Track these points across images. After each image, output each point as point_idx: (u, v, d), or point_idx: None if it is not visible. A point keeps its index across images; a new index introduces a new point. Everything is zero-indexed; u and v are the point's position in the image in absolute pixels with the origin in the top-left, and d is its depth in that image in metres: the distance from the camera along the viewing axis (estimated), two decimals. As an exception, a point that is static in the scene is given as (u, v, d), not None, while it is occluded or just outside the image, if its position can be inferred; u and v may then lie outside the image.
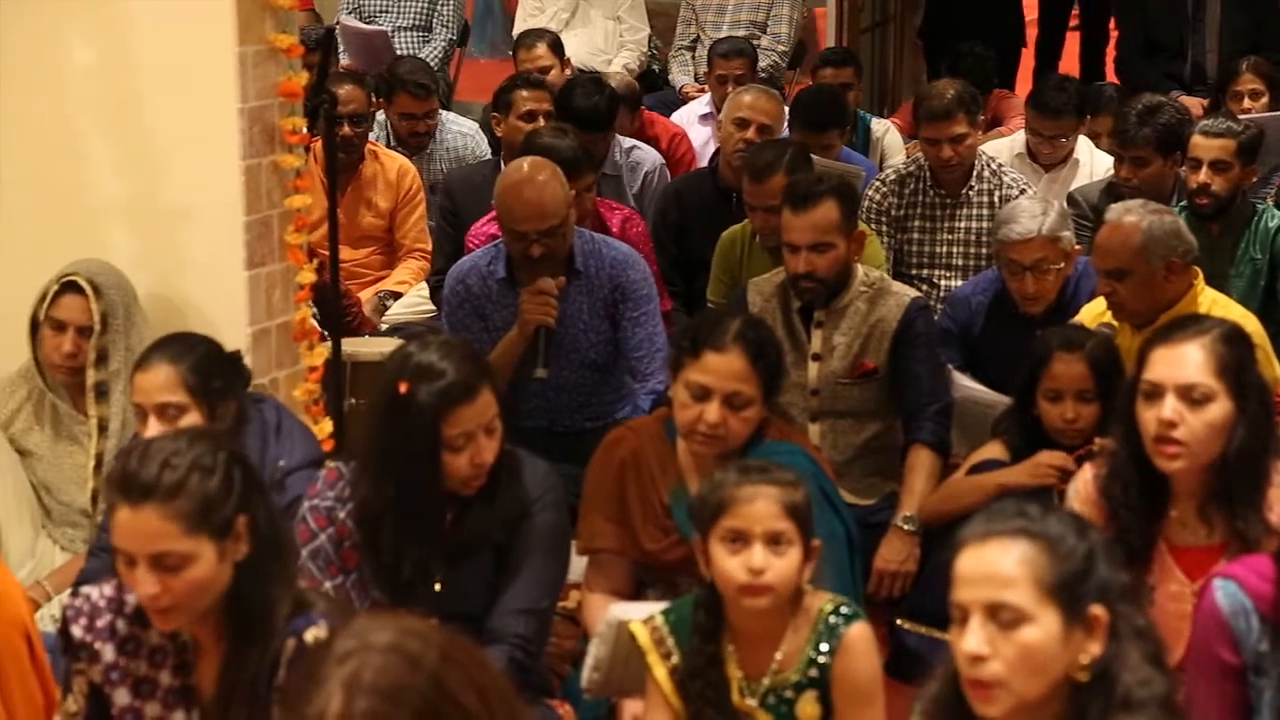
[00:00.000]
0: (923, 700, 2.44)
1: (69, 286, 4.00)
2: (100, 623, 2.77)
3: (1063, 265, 4.69)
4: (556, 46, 7.39)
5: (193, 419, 3.49)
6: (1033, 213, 4.68)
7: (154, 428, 3.47)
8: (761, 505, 2.95)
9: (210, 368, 3.54)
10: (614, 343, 4.77)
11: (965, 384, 4.68)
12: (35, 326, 4.05)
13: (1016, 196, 5.59)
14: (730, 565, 2.95)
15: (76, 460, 4.07)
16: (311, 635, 2.61)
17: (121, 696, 2.77)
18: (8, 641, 3.00)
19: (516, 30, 8.50)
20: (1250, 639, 2.69)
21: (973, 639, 2.29)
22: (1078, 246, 4.82)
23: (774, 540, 2.94)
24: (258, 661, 2.64)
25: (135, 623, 2.77)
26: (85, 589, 2.83)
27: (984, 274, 5.10)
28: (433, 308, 5.62)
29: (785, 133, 6.19)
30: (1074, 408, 4.02)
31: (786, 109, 6.39)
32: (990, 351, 4.77)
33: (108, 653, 2.77)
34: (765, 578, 2.93)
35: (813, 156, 5.44)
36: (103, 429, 4.00)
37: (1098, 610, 2.31)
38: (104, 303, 3.99)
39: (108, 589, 2.80)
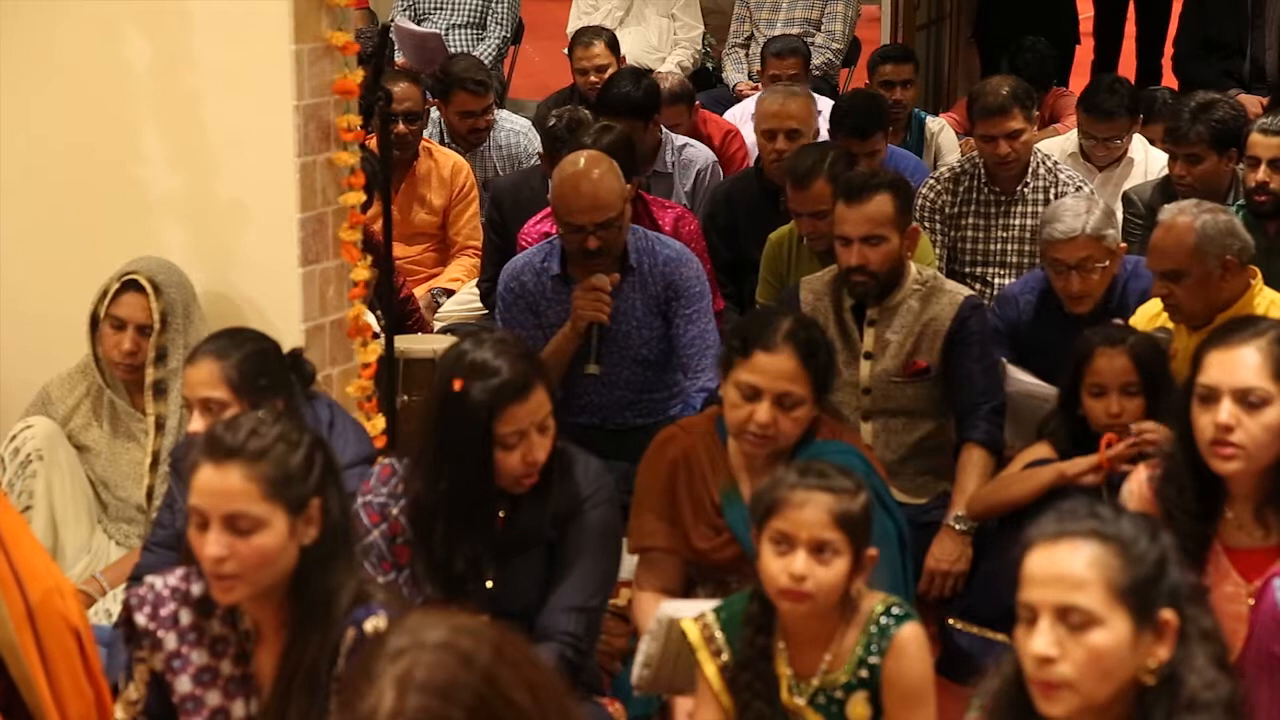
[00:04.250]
0: (982, 695, 2.43)
1: (129, 285, 4.02)
2: (164, 611, 2.81)
3: (1108, 264, 4.66)
4: (614, 45, 7.41)
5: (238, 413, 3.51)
6: (1076, 211, 4.66)
7: (198, 422, 3.50)
8: (810, 512, 2.93)
9: (257, 365, 3.55)
10: (666, 339, 4.77)
11: (1020, 378, 4.66)
12: (95, 323, 4.08)
13: (1072, 194, 5.57)
14: (774, 567, 2.94)
15: (133, 457, 4.10)
16: (371, 626, 2.63)
17: (183, 685, 2.80)
18: (58, 638, 3.02)
19: (571, 28, 8.52)
20: None
21: (1042, 641, 2.28)
22: (1123, 245, 4.78)
23: (819, 548, 2.92)
24: (317, 650, 2.66)
25: (198, 612, 2.81)
26: (149, 578, 2.87)
27: (1032, 273, 5.07)
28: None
29: (823, 129, 6.16)
30: (1118, 402, 4.01)
31: (827, 103, 6.37)
32: (1037, 350, 4.75)
33: (170, 641, 2.80)
34: (805, 585, 2.91)
35: None
36: (160, 426, 4.03)
37: (1168, 614, 2.30)
38: (164, 301, 4.01)
39: (172, 578, 2.84)
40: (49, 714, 3.01)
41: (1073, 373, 4.08)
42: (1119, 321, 4.40)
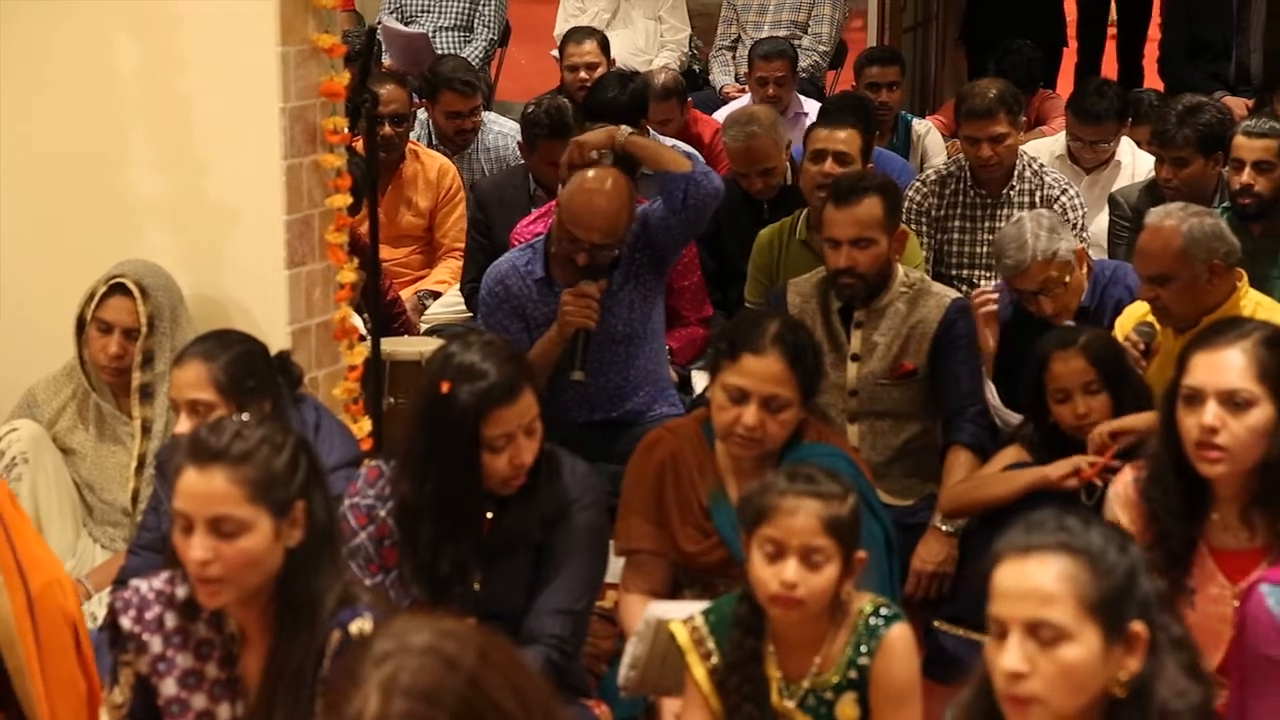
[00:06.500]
0: (955, 707, 2.43)
1: (116, 288, 4.02)
2: (149, 615, 2.80)
3: (1071, 277, 4.65)
4: (605, 46, 7.43)
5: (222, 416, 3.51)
6: (1020, 239, 4.63)
7: (185, 424, 3.50)
8: (801, 520, 2.93)
9: (244, 368, 3.55)
10: (641, 312, 4.73)
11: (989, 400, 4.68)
12: (81, 326, 4.07)
13: (1058, 196, 5.59)
14: (765, 574, 2.94)
15: (119, 460, 4.09)
16: (356, 628, 2.63)
17: (168, 688, 2.79)
18: (55, 630, 3.04)
19: (557, 31, 8.53)
20: None
21: (1011, 656, 2.27)
22: (1082, 246, 4.77)
23: (810, 555, 2.92)
24: (303, 652, 2.66)
25: (184, 615, 2.80)
26: (134, 581, 2.86)
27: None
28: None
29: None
30: (1083, 402, 4.02)
31: (814, 104, 6.38)
32: (1015, 355, 4.73)
33: (155, 644, 2.80)
34: (796, 592, 2.91)
35: None
36: (146, 430, 4.02)
37: (1138, 627, 2.29)
38: (151, 305, 4.01)
39: (157, 582, 2.83)
40: (40, 706, 3.02)
41: (1034, 382, 4.10)
42: (1071, 323, 4.41)
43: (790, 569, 2.91)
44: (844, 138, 5.33)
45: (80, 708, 3.08)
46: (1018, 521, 2.36)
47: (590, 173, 4.60)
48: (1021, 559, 2.29)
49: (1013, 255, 4.62)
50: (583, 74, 7.24)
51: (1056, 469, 3.99)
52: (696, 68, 8.73)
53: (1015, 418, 4.52)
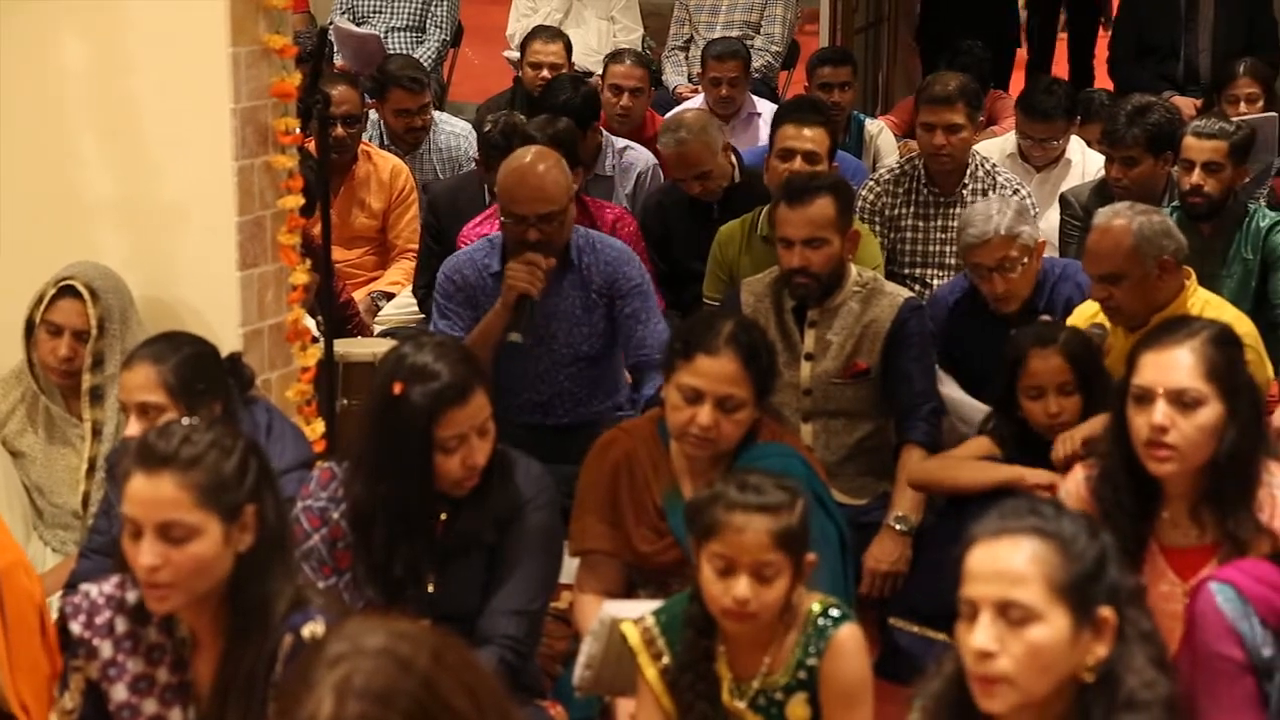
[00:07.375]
0: (923, 696, 2.45)
1: (66, 290, 3.99)
2: (99, 619, 2.79)
3: (1028, 261, 4.69)
4: (570, 50, 7.47)
5: (171, 420, 3.49)
6: (988, 214, 4.69)
7: (135, 426, 3.47)
8: (751, 537, 2.91)
9: (194, 369, 3.53)
10: (607, 336, 4.78)
11: (949, 392, 4.69)
12: (30, 329, 4.04)
13: (1010, 196, 5.61)
14: (716, 588, 2.93)
15: (69, 463, 4.06)
16: (308, 631, 2.62)
17: (119, 693, 2.78)
18: (20, 608, 3.05)
19: (510, 31, 8.53)
20: (1254, 642, 2.71)
21: (982, 635, 2.31)
22: (1042, 241, 4.81)
23: (761, 570, 2.91)
24: (255, 656, 2.65)
25: (134, 620, 2.79)
26: (84, 586, 2.85)
27: (961, 275, 5.10)
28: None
29: (763, 131, 6.21)
30: (1056, 401, 4.04)
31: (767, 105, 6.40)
32: (966, 351, 4.78)
33: (106, 649, 2.78)
34: (749, 607, 2.91)
35: None
36: (96, 433, 4.00)
37: (1106, 612, 2.33)
38: (101, 307, 3.98)
39: (107, 586, 2.82)
40: (5, 679, 3.03)
41: (1007, 376, 4.11)
42: (1047, 318, 4.43)
43: (742, 585, 2.90)
44: (812, 136, 5.40)
45: (43, 686, 3.09)
46: (990, 509, 2.40)
47: (527, 152, 4.70)
48: (994, 541, 2.34)
49: (979, 225, 4.65)
50: (545, 73, 7.23)
51: (1034, 475, 4.01)
52: (650, 68, 8.73)
53: (979, 409, 4.51)
